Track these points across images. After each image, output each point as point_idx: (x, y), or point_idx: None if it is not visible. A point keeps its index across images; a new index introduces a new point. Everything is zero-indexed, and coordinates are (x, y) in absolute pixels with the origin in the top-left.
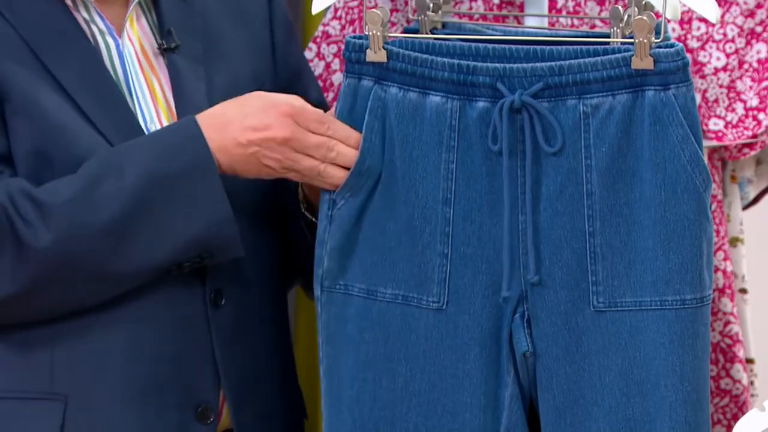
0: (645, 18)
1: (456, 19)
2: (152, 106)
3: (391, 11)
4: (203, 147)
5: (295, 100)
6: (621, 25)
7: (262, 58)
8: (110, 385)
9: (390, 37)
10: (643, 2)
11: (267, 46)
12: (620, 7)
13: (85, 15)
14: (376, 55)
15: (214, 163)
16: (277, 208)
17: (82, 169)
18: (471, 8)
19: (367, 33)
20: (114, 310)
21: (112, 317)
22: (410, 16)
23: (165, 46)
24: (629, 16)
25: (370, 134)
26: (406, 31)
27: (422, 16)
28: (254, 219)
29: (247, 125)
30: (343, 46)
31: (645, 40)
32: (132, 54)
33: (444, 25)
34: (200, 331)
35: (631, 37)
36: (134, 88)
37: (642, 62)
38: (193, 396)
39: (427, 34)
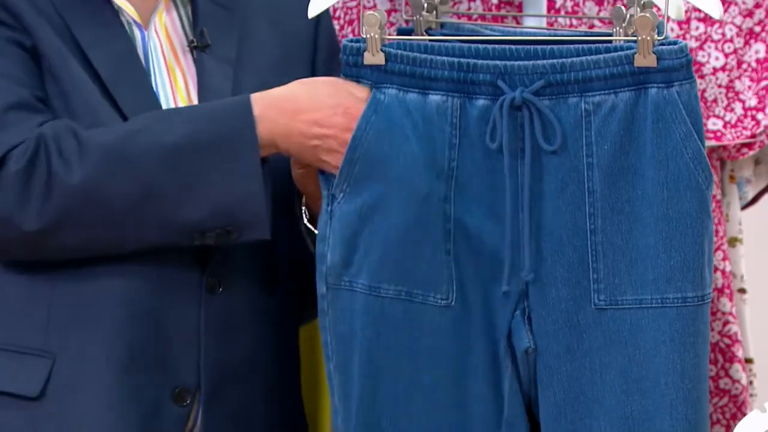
0: (648, 15)
1: (454, 20)
2: (172, 100)
3: (390, 11)
4: (249, 120)
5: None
6: (623, 24)
7: (299, 75)
8: (96, 351)
9: (388, 39)
10: (642, 1)
11: (306, 64)
12: (622, 7)
13: (117, 3)
14: (374, 57)
15: (257, 137)
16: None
17: (128, 121)
18: (469, 8)
19: (364, 35)
20: (112, 278)
21: (109, 285)
22: (405, 17)
23: (195, 43)
24: (631, 15)
25: (365, 124)
26: (401, 32)
27: (417, 17)
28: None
29: (315, 118)
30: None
31: (648, 38)
32: (157, 47)
33: (442, 25)
34: (191, 315)
35: (634, 36)
36: (155, 81)
37: (645, 60)
38: (173, 377)
39: (422, 34)
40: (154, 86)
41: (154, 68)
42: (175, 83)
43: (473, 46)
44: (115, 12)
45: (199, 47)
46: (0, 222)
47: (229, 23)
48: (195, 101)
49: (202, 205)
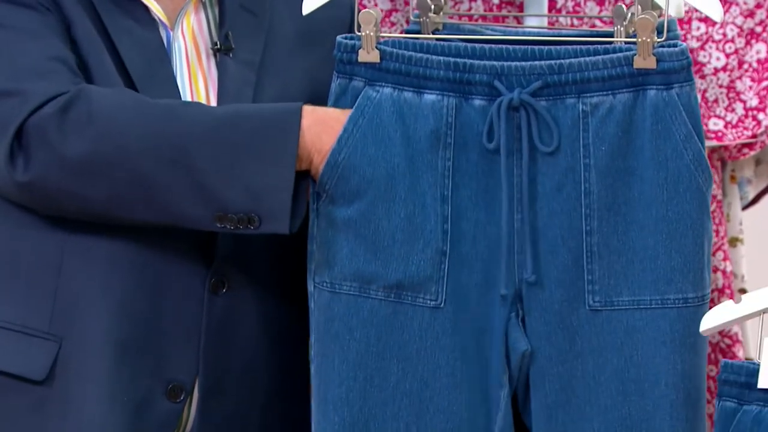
0: (648, 17)
1: (455, 21)
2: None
3: (391, 11)
4: (295, 122)
5: None
6: (624, 23)
7: (324, 83)
8: (98, 338)
9: (383, 37)
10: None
11: (331, 72)
12: (623, 6)
13: (144, 1)
14: (369, 55)
15: (299, 136)
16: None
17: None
18: (470, 8)
19: (360, 33)
20: (116, 268)
21: (115, 274)
22: (411, 18)
23: (219, 47)
24: (632, 14)
25: (352, 126)
26: (406, 32)
27: (424, 18)
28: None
29: None
30: None
31: (648, 40)
32: (181, 48)
33: (443, 26)
34: (193, 313)
35: (635, 36)
36: (176, 82)
37: (644, 61)
38: (167, 371)
39: (429, 35)
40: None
41: (176, 70)
42: (195, 87)
43: (470, 45)
44: (146, 8)
45: (222, 50)
46: (45, 158)
47: (256, 27)
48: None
49: (233, 183)
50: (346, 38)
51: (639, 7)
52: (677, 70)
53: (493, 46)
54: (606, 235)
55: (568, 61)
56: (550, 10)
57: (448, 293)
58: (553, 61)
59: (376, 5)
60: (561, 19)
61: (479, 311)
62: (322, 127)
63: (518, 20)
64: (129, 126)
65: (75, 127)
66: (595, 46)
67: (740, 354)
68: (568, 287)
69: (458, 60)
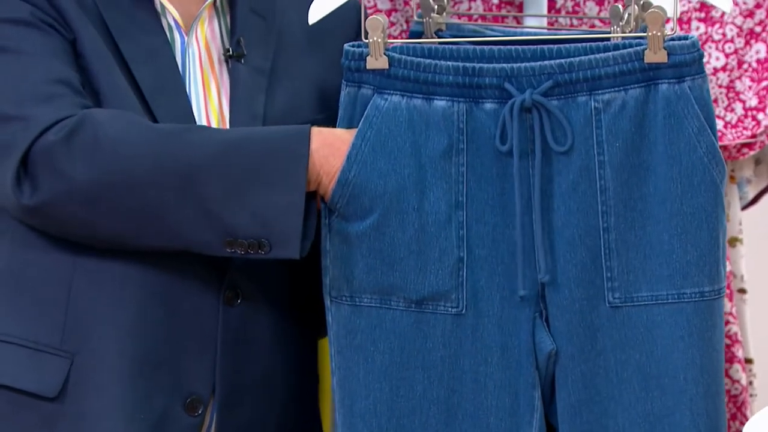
0: (658, 11)
1: (455, 21)
2: (204, 109)
3: (390, 11)
4: (304, 145)
5: None
6: (621, 23)
7: (334, 85)
8: (112, 354)
9: (390, 43)
10: (642, 1)
11: (340, 72)
12: (620, 6)
13: (159, 6)
14: (377, 62)
15: (307, 160)
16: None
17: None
18: (470, 8)
19: (367, 40)
20: (129, 284)
21: (127, 289)
22: (414, 18)
23: (231, 53)
24: (629, 14)
25: (361, 142)
26: (410, 32)
27: (427, 18)
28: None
29: None
30: None
31: (659, 33)
32: (195, 55)
33: (445, 26)
34: (208, 325)
35: (633, 35)
36: (189, 90)
37: (656, 55)
38: (185, 385)
39: (431, 36)
40: (187, 96)
41: (189, 77)
42: (208, 94)
43: (478, 48)
44: (157, 15)
45: (234, 57)
46: (52, 184)
47: (266, 31)
48: (226, 114)
49: (242, 208)
50: (353, 46)
51: (635, 7)
52: (689, 62)
53: (502, 47)
54: (623, 231)
55: (578, 59)
56: (549, 10)
57: (468, 299)
58: (563, 60)
59: (375, 5)
60: (560, 20)
61: (505, 314)
62: (329, 150)
63: (518, 20)
64: (136, 152)
65: (82, 153)
66: (605, 42)
67: (739, 354)
68: (587, 285)
69: (467, 64)
